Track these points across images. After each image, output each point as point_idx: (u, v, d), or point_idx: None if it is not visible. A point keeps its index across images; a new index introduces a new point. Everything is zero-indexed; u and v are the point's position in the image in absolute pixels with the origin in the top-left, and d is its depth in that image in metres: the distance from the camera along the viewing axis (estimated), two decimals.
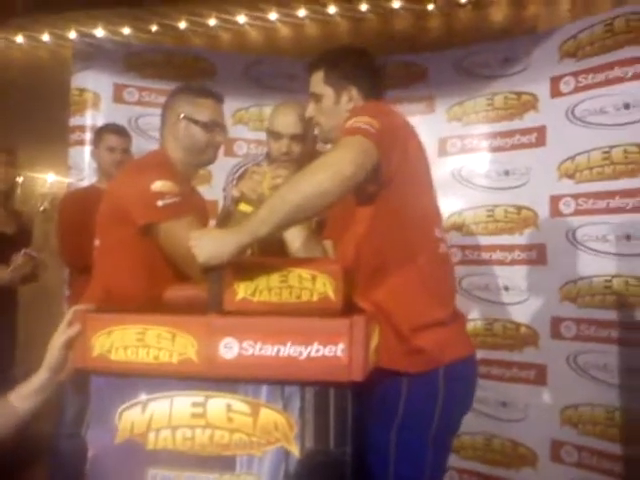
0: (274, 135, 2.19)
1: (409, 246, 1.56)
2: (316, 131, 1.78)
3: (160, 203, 1.58)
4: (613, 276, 2.63)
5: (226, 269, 1.29)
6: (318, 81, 1.69)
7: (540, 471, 2.78)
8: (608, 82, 2.64)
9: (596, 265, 2.68)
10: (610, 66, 2.63)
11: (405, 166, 1.53)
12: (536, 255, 2.87)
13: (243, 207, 1.67)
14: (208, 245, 1.29)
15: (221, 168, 3.15)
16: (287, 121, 2.17)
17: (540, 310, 2.84)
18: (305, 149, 2.20)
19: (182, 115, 1.76)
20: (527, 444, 2.84)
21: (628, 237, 2.60)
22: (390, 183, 1.51)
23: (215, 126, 1.79)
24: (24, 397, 1.27)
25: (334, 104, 1.67)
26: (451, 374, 1.54)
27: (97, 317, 1.21)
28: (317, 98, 1.69)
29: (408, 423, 1.52)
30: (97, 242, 1.77)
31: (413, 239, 1.57)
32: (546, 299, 2.82)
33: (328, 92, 1.67)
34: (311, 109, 1.71)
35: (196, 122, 1.76)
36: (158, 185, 1.59)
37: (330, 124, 1.68)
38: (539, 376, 2.83)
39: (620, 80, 2.60)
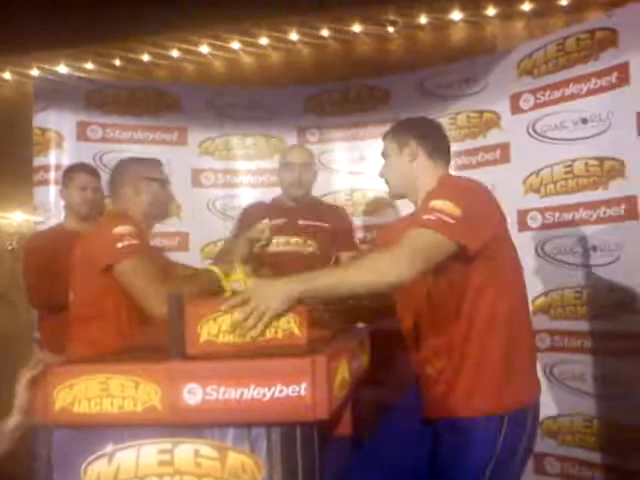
0: (288, 166, 2.72)
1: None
2: (387, 189, 1.85)
3: (119, 245, 1.69)
4: (583, 287, 2.67)
5: (185, 313, 1.29)
6: (386, 140, 1.79)
7: None
8: (565, 98, 2.71)
9: (566, 277, 2.72)
10: (565, 83, 2.70)
11: (499, 238, 1.58)
12: None
13: (213, 268, 1.82)
14: (269, 294, 1.33)
15: (189, 200, 3.19)
16: (298, 152, 2.81)
17: None
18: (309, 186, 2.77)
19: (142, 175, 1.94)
20: None
21: (594, 248, 2.65)
22: (482, 255, 1.53)
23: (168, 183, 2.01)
24: None
25: (397, 158, 1.74)
26: (534, 413, 1.65)
27: (57, 371, 1.20)
28: (384, 156, 1.79)
29: (501, 461, 1.57)
30: (71, 296, 1.81)
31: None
32: None
33: (392, 147, 1.76)
34: (381, 168, 1.81)
35: (155, 179, 1.95)
36: (119, 228, 1.71)
37: (396, 179, 1.77)
38: None
39: (576, 96, 2.67)
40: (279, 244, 2.61)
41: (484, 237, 1.53)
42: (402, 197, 1.83)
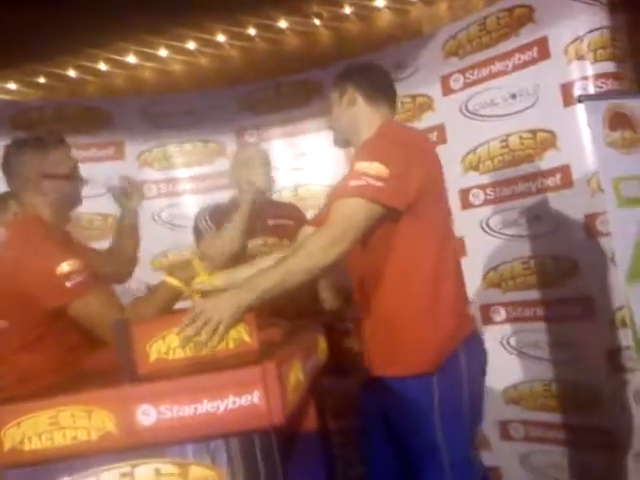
0: (247, 165, 2.51)
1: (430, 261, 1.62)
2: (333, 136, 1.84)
3: (68, 284, 1.56)
4: (529, 257, 2.74)
5: (132, 334, 1.28)
6: (331, 90, 1.79)
7: (494, 451, 2.86)
8: (492, 76, 2.77)
9: (513, 249, 2.79)
10: (491, 61, 2.76)
11: (424, 194, 1.58)
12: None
13: (169, 280, 1.70)
14: (219, 307, 1.35)
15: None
16: (255, 149, 2.73)
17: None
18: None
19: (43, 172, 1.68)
20: None
21: (538, 217, 2.72)
22: (408, 211, 1.56)
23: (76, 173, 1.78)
24: None
25: (338, 105, 1.75)
26: (466, 349, 1.63)
27: (2, 411, 1.17)
28: (330, 105, 1.79)
29: (446, 409, 1.58)
30: (1, 323, 1.72)
31: (434, 255, 1.62)
32: (471, 289, 2.90)
33: (334, 95, 1.77)
34: (328, 118, 1.81)
35: (60, 176, 1.71)
36: (63, 267, 1.55)
37: (337, 126, 1.77)
38: None
39: (503, 73, 2.74)
40: (256, 247, 2.49)
41: (413, 193, 1.54)
42: (346, 145, 1.83)
